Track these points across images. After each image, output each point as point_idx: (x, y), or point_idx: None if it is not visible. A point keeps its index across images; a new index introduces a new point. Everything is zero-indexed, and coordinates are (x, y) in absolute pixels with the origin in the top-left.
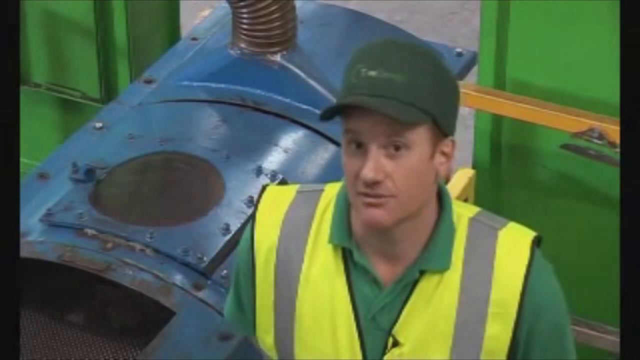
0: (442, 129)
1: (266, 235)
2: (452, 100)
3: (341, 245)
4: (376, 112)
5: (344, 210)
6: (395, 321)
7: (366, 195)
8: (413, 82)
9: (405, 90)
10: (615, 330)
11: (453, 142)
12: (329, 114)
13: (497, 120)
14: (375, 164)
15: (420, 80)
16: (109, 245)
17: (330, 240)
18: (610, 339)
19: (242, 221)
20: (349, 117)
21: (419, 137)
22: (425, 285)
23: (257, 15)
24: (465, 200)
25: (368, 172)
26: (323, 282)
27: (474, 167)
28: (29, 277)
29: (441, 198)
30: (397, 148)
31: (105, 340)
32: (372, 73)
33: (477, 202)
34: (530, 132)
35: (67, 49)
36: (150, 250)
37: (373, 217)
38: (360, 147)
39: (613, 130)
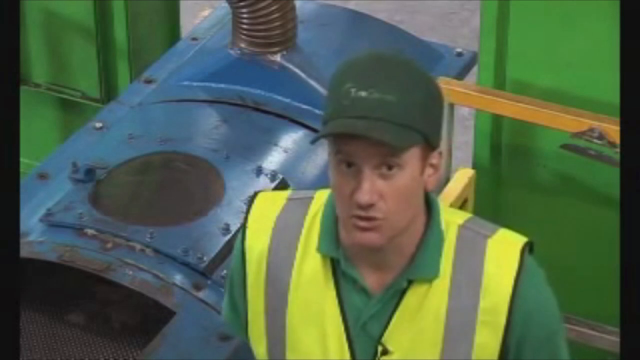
0: (432, 144)
1: (257, 243)
2: (439, 113)
3: (329, 255)
4: (374, 139)
5: (332, 220)
6: (385, 329)
7: (359, 218)
8: (405, 102)
9: (398, 111)
10: (615, 330)
11: (440, 153)
12: (321, 138)
13: (497, 120)
14: (370, 186)
15: (411, 99)
16: (109, 245)
17: (318, 250)
18: (610, 339)
19: (242, 221)
20: (340, 140)
21: (412, 156)
22: (414, 293)
23: (257, 15)
24: (465, 201)
25: (363, 196)
26: (312, 290)
27: (474, 167)
28: (29, 277)
29: (429, 207)
30: (390, 167)
31: (105, 340)
32: (363, 94)
33: (477, 202)
34: (530, 132)
35: (67, 49)
36: (150, 250)
37: (365, 240)
38: (351, 166)
39: (613, 130)
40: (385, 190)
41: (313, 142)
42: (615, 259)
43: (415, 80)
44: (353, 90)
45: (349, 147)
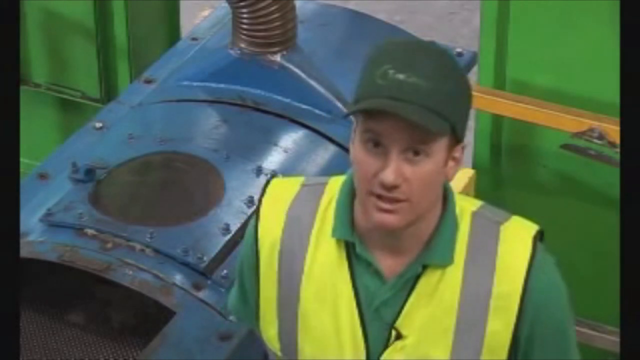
0: (458, 136)
1: (270, 229)
2: (468, 107)
3: (344, 239)
4: (408, 120)
5: (347, 203)
6: (398, 314)
7: (380, 197)
8: (438, 89)
9: (431, 97)
10: (615, 330)
11: (463, 147)
12: (355, 113)
13: (497, 120)
14: (397, 168)
15: (445, 87)
16: (109, 245)
17: (333, 234)
18: (610, 339)
19: (242, 221)
20: (372, 118)
21: (440, 145)
22: (428, 279)
23: (257, 15)
24: None
25: (389, 175)
26: (326, 274)
27: (474, 167)
28: (29, 277)
29: (445, 193)
30: (417, 153)
31: (105, 340)
32: (400, 76)
33: None
34: (530, 132)
35: (67, 49)
36: (150, 250)
37: (384, 221)
38: (378, 146)
39: (613, 130)
40: (409, 175)
41: (347, 116)
42: (615, 259)
43: (450, 71)
44: (391, 71)
45: (380, 127)
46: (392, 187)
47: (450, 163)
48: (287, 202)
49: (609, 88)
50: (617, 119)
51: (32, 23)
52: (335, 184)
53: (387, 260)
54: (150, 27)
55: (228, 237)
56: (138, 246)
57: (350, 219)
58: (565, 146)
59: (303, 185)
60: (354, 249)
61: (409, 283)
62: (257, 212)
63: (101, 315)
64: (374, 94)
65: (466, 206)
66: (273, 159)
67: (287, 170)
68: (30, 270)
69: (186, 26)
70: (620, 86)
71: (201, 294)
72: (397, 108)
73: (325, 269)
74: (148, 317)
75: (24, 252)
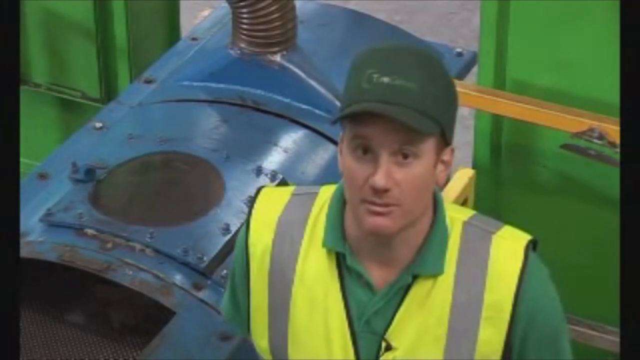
0: (447, 138)
1: (261, 238)
2: (455, 109)
3: (334, 249)
4: (396, 121)
5: (338, 213)
6: (389, 325)
7: (372, 203)
8: (425, 91)
9: (418, 99)
10: (615, 330)
11: (452, 150)
12: (342, 119)
13: (497, 120)
14: (387, 171)
15: (431, 89)
16: (109, 245)
17: (324, 244)
18: (610, 339)
19: (242, 221)
20: (360, 123)
21: (428, 146)
22: (419, 289)
23: (257, 15)
24: (465, 201)
25: (380, 180)
26: (317, 285)
27: (474, 167)
28: (29, 277)
29: (435, 202)
30: (406, 156)
31: (105, 340)
32: (385, 79)
33: (477, 202)
34: (530, 132)
35: (67, 49)
36: (150, 250)
37: (378, 225)
38: (367, 153)
39: (613, 130)
40: (400, 178)
41: (334, 122)
42: (615, 259)
43: (436, 73)
44: (375, 75)
45: (368, 131)
46: (383, 192)
47: (440, 166)
48: (278, 211)
49: (609, 88)
50: (617, 119)
51: (32, 23)
52: (326, 194)
53: (378, 271)
54: (150, 27)
55: (228, 237)
56: (138, 246)
57: (341, 229)
58: (565, 146)
59: (293, 195)
60: (344, 260)
61: (399, 293)
62: (247, 221)
63: (101, 315)
64: (361, 98)
65: (457, 216)
66: (273, 159)
67: (287, 170)
68: (30, 270)
69: (186, 26)
70: (620, 86)
71: (201, 294)
72: (384, 110)
73: (316, 279)
74: (148, 317)
75: (24, 252)
